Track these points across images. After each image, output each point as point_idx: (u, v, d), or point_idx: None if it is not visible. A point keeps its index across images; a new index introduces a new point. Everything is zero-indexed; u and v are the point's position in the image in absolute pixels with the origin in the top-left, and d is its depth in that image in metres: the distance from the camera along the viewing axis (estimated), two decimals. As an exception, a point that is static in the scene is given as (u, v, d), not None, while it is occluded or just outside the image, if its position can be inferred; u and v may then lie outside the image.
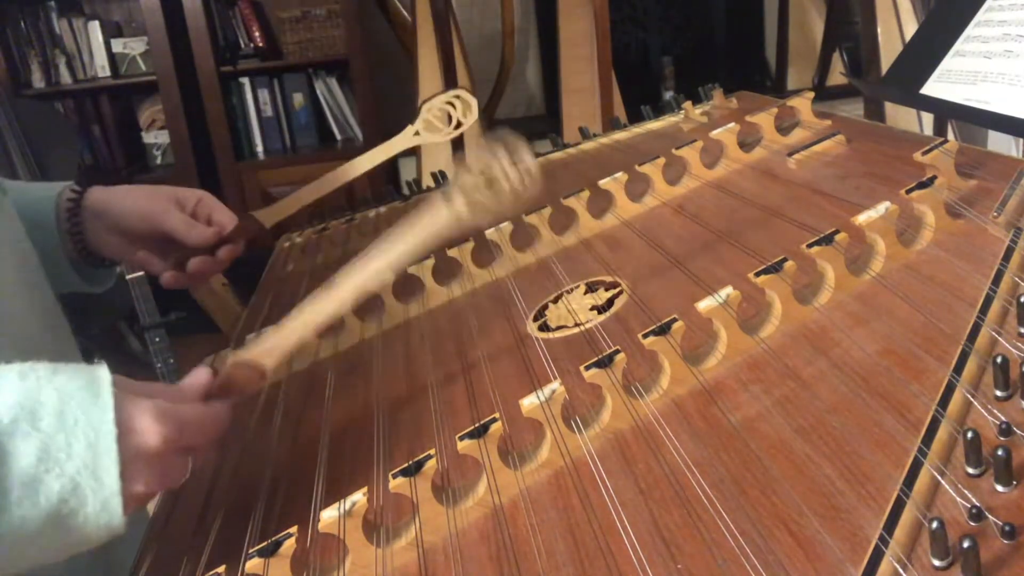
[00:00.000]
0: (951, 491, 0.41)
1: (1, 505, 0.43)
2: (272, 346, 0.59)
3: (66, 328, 0.74)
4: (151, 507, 0.77)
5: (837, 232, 0.60)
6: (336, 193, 0.89)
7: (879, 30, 2.61)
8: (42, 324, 0.69)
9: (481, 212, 0.57)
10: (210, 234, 0.76)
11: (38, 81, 3.11)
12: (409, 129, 0.83)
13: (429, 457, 0.51)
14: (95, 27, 3.12)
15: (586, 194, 0.89)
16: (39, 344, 0.67)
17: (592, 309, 0.71)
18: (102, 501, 0.46)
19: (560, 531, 0.48)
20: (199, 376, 0.56)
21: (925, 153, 0.68)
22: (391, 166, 3.20)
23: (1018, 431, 0.43)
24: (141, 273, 2.10)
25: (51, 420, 0.45)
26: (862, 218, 0.61)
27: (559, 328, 0.70)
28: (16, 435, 0.44)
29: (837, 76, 3.25)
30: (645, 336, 0.55)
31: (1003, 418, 0.43)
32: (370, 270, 0.59)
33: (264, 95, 3.25)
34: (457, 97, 0.83)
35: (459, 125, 0.83)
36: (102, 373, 0.48)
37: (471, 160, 0.58)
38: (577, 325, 0.69)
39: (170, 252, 0.77)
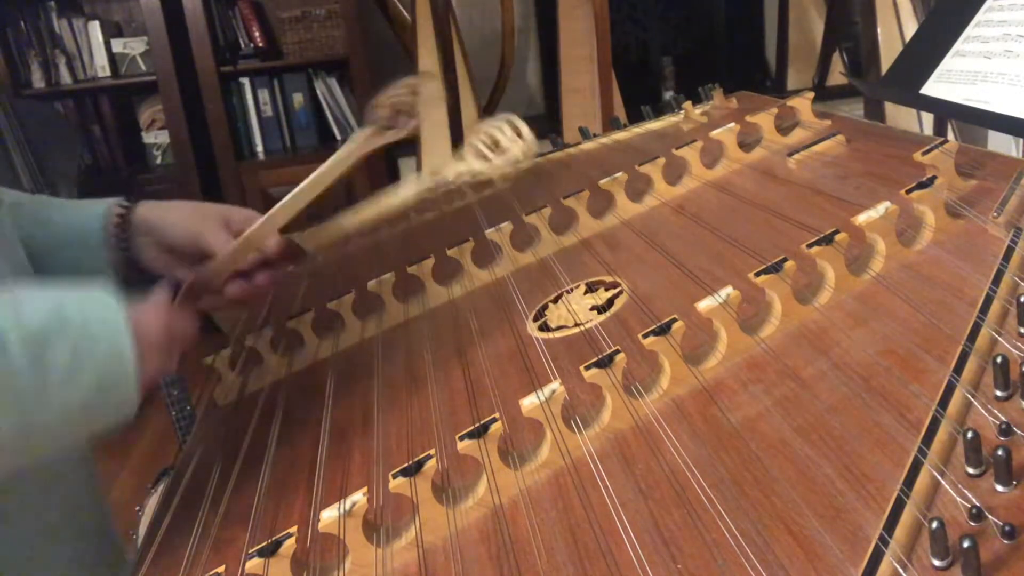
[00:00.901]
0: (951, 491, 0.41)
1: (45, 395, 0.51)
2: (219, 265, 0.69)
3: None
4: (150, 508, 0.77)
5: (837, 232, 0.60)
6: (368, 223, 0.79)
7: (879, 30, 2.61)
8: None
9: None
10: (251, 257, 0.73)
11: (38, 81, 3.11)
12: (457, 154, 0.75)
13: (429, 457, 0.51)
14: (95, 27, 3.12)
15: (586, 194, 0.89)
16: None
17: (592, 309, 0.71)
18: (126, 383, 0.55)
19: (560, 531, 0.48)
20: (163, 292, 0.64)
21: (925, 153, 0.68)
22: (391, 166, 3.20)
23: (1018, 431, 0.43)
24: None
25: (76, 325, 0.54)
26: (862, 218, 0.61)
27: (559, 328, 0.70)
28: (51, 337, 0.52)
29: (837, 76, 3.25)
30: (645, 336, 0.55)
31: (1003, 418, 0.43)
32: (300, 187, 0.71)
33: (264, 95, 3.25)
34: (507, 122, 0.74)
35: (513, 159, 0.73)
36: (106, 287, 0.57)
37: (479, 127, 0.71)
38: (577, 325, 0.69)
39: None
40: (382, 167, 3.11)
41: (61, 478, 0.69)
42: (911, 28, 2.57)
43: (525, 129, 0.73)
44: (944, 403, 0.46)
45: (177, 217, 0.75)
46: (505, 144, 0.72)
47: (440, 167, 0.74)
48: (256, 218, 0.74)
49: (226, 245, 0.72)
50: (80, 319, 0.55)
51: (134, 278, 0.76)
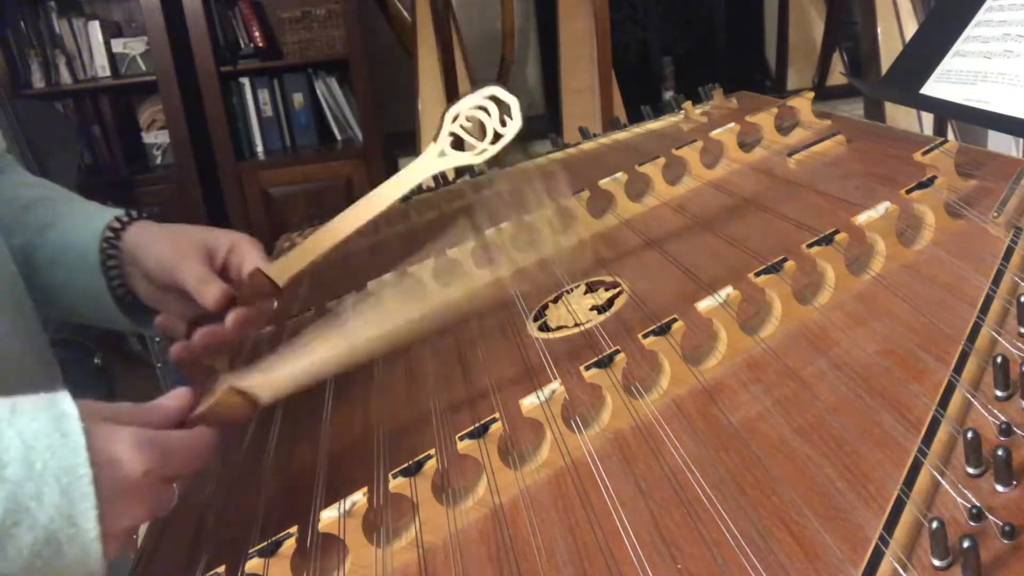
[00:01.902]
0: (951, 491, 0.41)
1: None
2: (272, 378, 0.54)
3: (49, 351, 0.69)
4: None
5: (837, 232, 0.60)
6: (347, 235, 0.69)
7: (879, 30, 2.61)
8: (24, 347, 0.65)
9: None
10: (219, 294, 0.64)
11: (38, 81, 3.11)
12: (432, 149, 0.63)
13: (429, 457, 0.51)
14: (95, 27, 3.12)
15: (586, 194, 0.89)
16: (21, 366, 0.64)
17: (592, 309, 0.71)
18: (81, 547, 0.42)
19: (560, 531, 0.48)
20: (179, 398, 0.52)
21: (925, 153, 0.68)
22: (391, 165, 3.20)
23: (1018, 431, 0.43)
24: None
25: (17, 467, 0.41)
26: (862, 218, 0.61)
27: (559, 328, 0.70)
28: None
29: (837, 76, 3.25)
30: (645, 336, 0.55)
31: (1003, 418, 0.43)
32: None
33: (264, 95, 3.25)
34: (492, 98, 0.62)
35: (498, 138, 0.62)
36: (67, 407, 0.44)
37: (458, 103, 0.61)
38: (577, 325, 0.69)
39: (193, 309, 0.67)
40: (382, 168, 3.11)
41: None
42: (911, 28, 2.57)
43: (513, 102, 0.62)
44: (944, 403, 0.46)
45: (157, 247, 0.67)
46: (495, 128, 0.62)
47: (421, 164, 0.64)
48: (239, 245, 0.67)
49: (196, 280, 0.64)
50: (21, 457, 0.41)
51: (138, 308, 0.69)
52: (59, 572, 0.43)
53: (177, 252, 0.65)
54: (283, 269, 0.65)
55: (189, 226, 0.69)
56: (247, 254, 0.67)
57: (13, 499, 0.41)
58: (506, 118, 0.62)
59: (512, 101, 0.63)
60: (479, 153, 0.62)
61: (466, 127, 0.63)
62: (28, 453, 0.42)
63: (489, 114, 0.63)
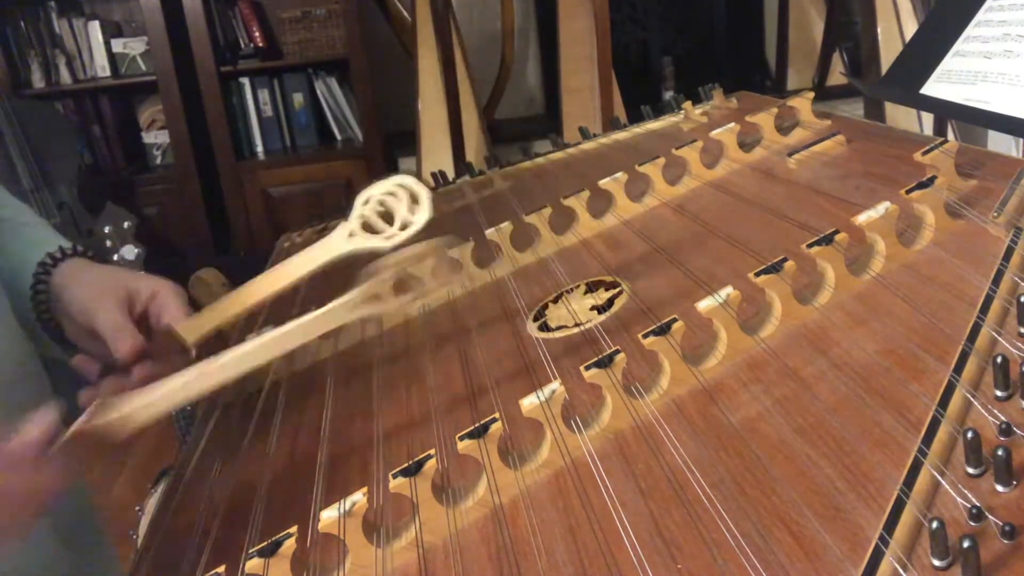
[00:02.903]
0: (951, 491, 0.41)
1: None
2: (130, 414, 0.54)
3: (36, 360, 0.70)
4: (150, 508, 0.77)
5: (837, 232, 0.60)
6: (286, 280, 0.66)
7: (879, 30, 2.61)
8: (10, 354, 0.66)
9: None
10: (131, 346, 0.63)
11: (38, 81, 3.11)
12: (342, 229, 0.63)
13: (429, 457, 0.51)
14: (95, 27, 3.12)
15: (586, 194, 0.89)
16: (8, 374, 0.65)
17: (592, 309, 0.71)
18: None
19: (560, 531, 0.48)
20: (41, 425, 0.49)
21: (925, 153, 0.68)
22: (391, 165, 3.20)
23: (1018, 431, 0.43)
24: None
25: None
26: (862, 218, 0.61)
27: (559, 328, 0.70)
28: None
29: (837, 76, 3.25)
30: (645, 336, 0.55)
31: (1003, 418, 0.43)
32: (254, 345, 0.58)
33: (264, 95, 3.25)
34: (401, 187, 0.63)
35: (406, 226, 0.62)
36: None
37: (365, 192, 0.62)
38: (577, 325, 0.69)
39: (109, 353, 0.65)
40: (382, 168, 3.11)
41: None
42: (911, 28, 2.57)
43: (424, 193, 0.64)
44: (944, 403, 0.46)
45: (80, 290, 0.66)
46: (404, 216, 0.63)
47: (330, 244, 0.64)
48: (161, 294, 0.66)
49: (110, 330, 0.63)
50: None
51: (68, 346, 0.68)
52: None
53: (97, 297, 0.65)
54: (194, 328, 0.65)
55: (117, 269, 0.70)
56: (167, 304, 0.66)
57: None
58: (416, 207, 0.64)
59: (423, 192, 0.64)
60: (388, 238, 0.63)
61: (378, 211, 0.64)
62: None
63: (400, 201, 0.64)
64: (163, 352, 0.64)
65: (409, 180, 0.64)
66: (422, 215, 0.63)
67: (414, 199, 0.63)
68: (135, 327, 0.64)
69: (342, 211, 1.28)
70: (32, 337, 0.70)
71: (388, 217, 0.64)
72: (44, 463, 0.49)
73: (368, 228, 0.63)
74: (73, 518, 0.71)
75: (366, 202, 0.64)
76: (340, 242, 0.64)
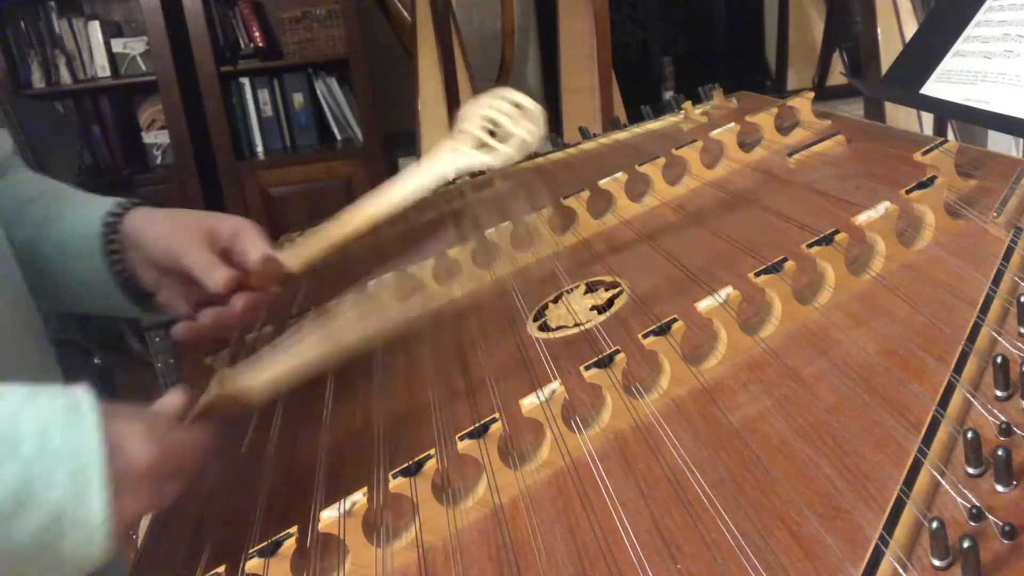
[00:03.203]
0: (951, 491, 0.41)
1: None
2: (263, 378, 0.55)
3: (49, 349, 0.70)
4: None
5: (837, 232, 0.60)
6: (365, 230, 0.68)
7: (879, 30, 2.61)
8: (24, 343, 0.65)
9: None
10: (227, 279, 0.64)
11: (38, 81, 3.11)
12: (447, 145, 0.62)
13: (429, 457, 0.51)
14: (95, 27, 3.12)
15: (586, 194, 0.89)
16: (20, 362, 0.64)
17: (592, 309, 0.71)
18: (86, 532, 0.43)
19: (560, 531, 0.48)
20: (173, 400, 0.53)
21: (925, 153, 0.68)
22: (391, 165, 3.20)
23: (1018, 431, 0.43)
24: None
25: (32, 445, 0.42)
26: (862, 218, 0.61)
27: (559, 328, 0.70)
28: None
29: (837, 76, 3.25)
30: (645, 336, 0.55)
31: (1003, 418, 0.43)
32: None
33: (264, 95, 3.25)
34: (506, 99, 0.60)
35: (516, 143, 0.60)
36: (83, 396, 0.46)
37: (470, 106, 0.60)
38: (577, 325, 0.69)
39: (195, 292, 0.67)
40: (382, 168, 3.11)
41: None
42: (911, 28, 2.57)
43: (529, 104, 0.60)
44: (944, 403, 0.46)
45: (160, 231, 0.66)
46: (509, 128, 0.60)
47: (437, 162, 0.62)
48: (243, 231, 0.66)
49: (202, 265, 0.63)
50: (36, 435, 0.43)
51: (140, 293, 0.69)
52: (59, 559, 0.43)
53: (181, 237, 0.66)
54: (296, 256, 0.65)
55: (190, 211, 0.70)
56: (251, 240, 0.67)
57: (25, 477, 0.42)
58: (530, 124, 0.61)
59: (530, 103, 0.62)
60: (498, 155, 0.61)
61: (487, 128, 0.62)
62: (44, 434, 0.43)
63: (511, 118, 0.62)
64: (262, 282, 0.65)
65: (512, 92, 0.61)
66: (532, 128, 0.60)
67: (522, 112, 0.61)
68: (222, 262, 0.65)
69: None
70: (101, 301, 0.69)
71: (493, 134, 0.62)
72: (190, 427, 0.52)
73: (477, 145, 0.61)
74: None
75: (480, 117, 0.62)
76: (455, 157, 0.62)
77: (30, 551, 0.42)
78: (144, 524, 0.66)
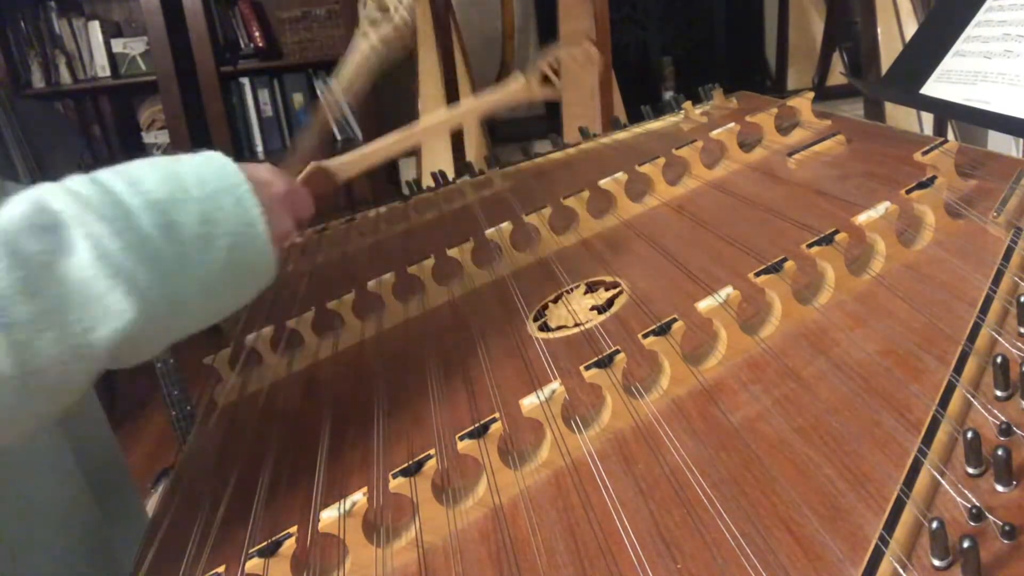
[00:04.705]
0: (951, 491, 0.41)
1: (185, 264, 0.50)
2: (350, 161, 0.71)
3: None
4: (150, 508, 0.77)
5: (837, 232, 0.60)
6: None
7: (879, 30, 2.60)
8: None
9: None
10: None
11: (38, 81, 3.11)
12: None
13: (429, 457, 0.51)
14: (95, 27, 3.12)
15: (586, 194, 0.89)
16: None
17: (592, 309, 0.71)
18: (258, 248, 0.54)
19: (560, 531, 0.48)
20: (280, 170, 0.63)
21: (925, 153, 0.68)
22: (391, 166, 3.20)
23: (1018, 431, 0.43)
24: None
25: (197, 189, 0.52)
26: (862, 218, 0.61)
27: (559, 328, 0.70)
28: (176, 205, 0.51)
29: (837, 76, 3.25)
30: (645, 336, 0.55)
31: (1003, 418, 0.43)
32: (443, 116, 0.79)
33: (264, 95, 3.25)
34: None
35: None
36: (210, 152, 0.55)
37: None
38: (577, 325, 0.69)
39: None
40: (382, 167, 3.11)
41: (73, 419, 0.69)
42: (911, 28, 2.57)
43: None
44: (944, 403, 0.46)
45: None
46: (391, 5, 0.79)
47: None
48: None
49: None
50: (198, 182, 0.52)
51: None
52: (248, 271, 0.54)
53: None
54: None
55: None
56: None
57: (204, 211, 0.52)
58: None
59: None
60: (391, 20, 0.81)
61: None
62: (201, 178, 0.53)
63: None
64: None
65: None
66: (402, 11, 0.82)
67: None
68: None
69: (342, 211, 1.29)
70: None
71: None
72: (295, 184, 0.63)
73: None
74: (99, 459, 0.73)
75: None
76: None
77: (227, 271, 0.52)
78: (144, 525, 0.66)
